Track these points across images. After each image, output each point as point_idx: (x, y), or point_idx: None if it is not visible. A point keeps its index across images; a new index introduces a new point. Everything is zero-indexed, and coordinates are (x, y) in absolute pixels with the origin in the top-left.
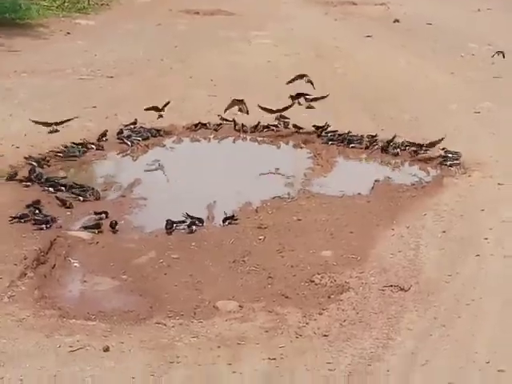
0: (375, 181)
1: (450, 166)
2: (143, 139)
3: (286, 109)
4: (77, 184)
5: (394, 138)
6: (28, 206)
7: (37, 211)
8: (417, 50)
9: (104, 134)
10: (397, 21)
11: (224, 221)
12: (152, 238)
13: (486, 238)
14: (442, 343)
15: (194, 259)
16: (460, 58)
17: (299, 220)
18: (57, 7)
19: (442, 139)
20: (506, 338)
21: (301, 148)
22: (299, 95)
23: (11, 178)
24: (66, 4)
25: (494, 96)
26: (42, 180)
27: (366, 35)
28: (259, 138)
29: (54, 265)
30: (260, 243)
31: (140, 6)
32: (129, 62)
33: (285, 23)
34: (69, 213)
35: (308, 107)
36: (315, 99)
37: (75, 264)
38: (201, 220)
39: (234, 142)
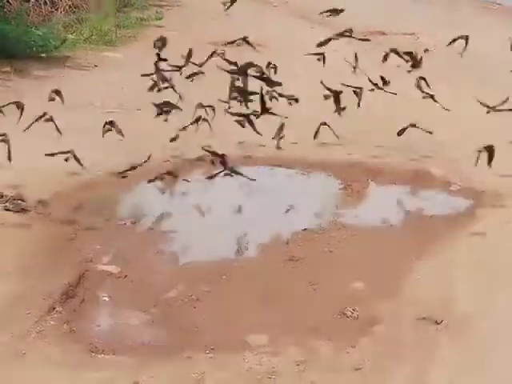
0: (407, 211)
1: None
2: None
3: None
4: None
5: None
6: None
7: None
8: (445, 79)
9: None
10: (427, 50)
11: None
12: (182, 271)
13: None
14: (476, 378)
15: (224, 292)
16: (495, 88)
17: (330, 252)
18: (84, 40)
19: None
20: None
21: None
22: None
23: None
24: (93, 37)
25: None
26: None
27: (396, 65)
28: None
29: (83, 299)
30: (291, 276)
31: (168, 38)
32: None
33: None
34: (98, 247)
35: None
36: None
37: (104, 298)
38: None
39: (264, 172)
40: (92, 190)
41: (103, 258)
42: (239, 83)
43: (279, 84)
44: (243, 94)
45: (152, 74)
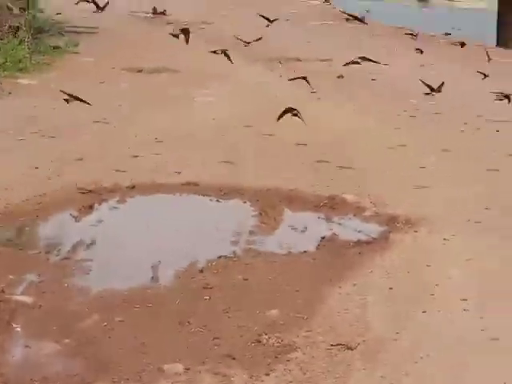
0: (321, 238)
1: None
2: None
3: None
4: None
5: None
6: None
7: None
8: (361, 104)
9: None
10: (341, 76)
11: None
12: (96, 300)
13: (433, 294)
14: None
15: (139, 321)
16: (404, 113)
17: (245, 279)
18: None
19: None
20: None
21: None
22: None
23: None
24: (7, 63)
25: (439, 150)
26: None
27: (311, 91)
28: (203, 195)
29: None
30: (206, 303)
31: (83, 65)
32: (71, 122)
33: (229, 80)
34: (11, 277)
35: None
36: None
37: (17, 329)
38: None
39: (177, 199)
40: (5, 218)
41: (16, 288)
42: None
43: None
44: None
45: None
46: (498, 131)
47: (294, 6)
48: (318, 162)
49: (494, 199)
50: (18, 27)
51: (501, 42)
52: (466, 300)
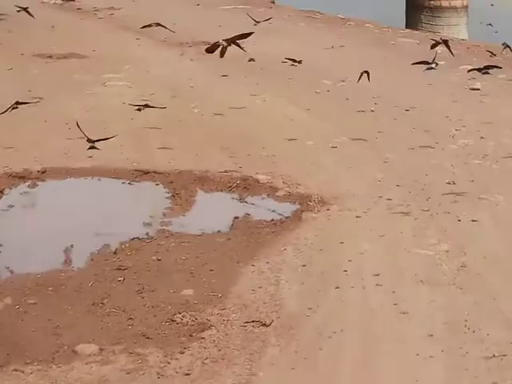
0: (235, 218)
1: None
2: None
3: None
4: None
5: None
6: None
7: None
8: (272, 88)
9: None
10: (252, 60)
11: None
12: (8, 284)
13: (346, 271)
14: (304, 377)
15: (52, 304)
16: (315, 95)
17: (159, 260)
18: None
19: None
20: (367, 370)
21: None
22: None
23: None
24: None
25: (349, 131)
26: None
27: (222, 75)
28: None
29: None
30: (119, 285)
31: None
32: None
33: (140, 65)
34: None
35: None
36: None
37: None
38: None
39: (90, 183)
40: None
41: None
42: None
43: None
44: None
45: None
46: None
47: None
48: (230, 144)
49: (406, 177)
50: None
51: (409, 23)
52: (378, 275)
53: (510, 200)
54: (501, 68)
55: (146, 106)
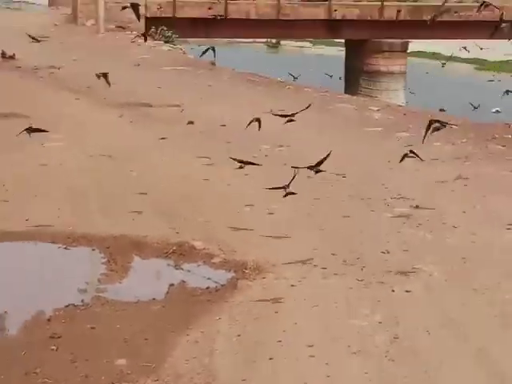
0: (170, 285)
1: None
2: None
3: None
4: None
5: None
6: None
7: None
8: (211, 152)
9: None
10: (191, 122)
11: None
12: None
13: (280, 341)
14: None
15: None
16: (253, 159)
17: (93, 328)
18: None
19: None
20: None
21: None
22: None
23: None
24: None
25: (285, 198)
26: None
27: (161, 137)
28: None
29: None
30: (53, 354)
31: None
32: None
33: (79, 125)
34: None
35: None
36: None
37: None
38: None
39: (25, 247)
40: None
41: None
42: None
43: None
44: None
45: None
46: None
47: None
48: (167, 208)
49: (341, 246)
50: None
51: (348, 87)
52: (311, 346)
53: (443, 270)
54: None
55: None
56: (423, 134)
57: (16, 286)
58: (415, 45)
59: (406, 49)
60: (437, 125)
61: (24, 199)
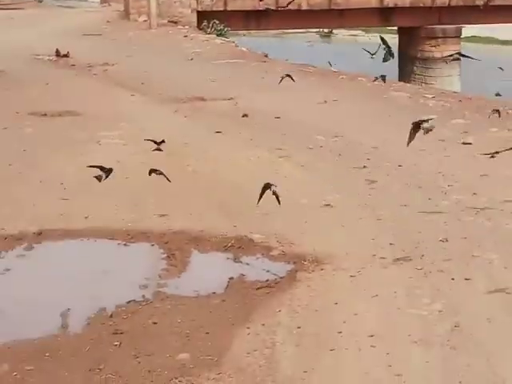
0: (229, 278)
1: None
2: None
3: None
4: None
5: None
6: None
7: None
8: (266, 144)
9: None
10: (245, 115)
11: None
12: (5, 350)
13: (340, 332)
14: None
15: (49, 370)
16: (309, 151)
17: (155, 323)
18: None
19: None
20: None
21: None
22: None
23: None
24: None
25: (342, 188)
26: None
27: (216, 131)
28: (111, 240)
29: None
30: (116, 349)
31: None
32: None
33: (134, 122)
34: None
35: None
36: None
37: None
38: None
39: (85, 244)
40: None
41: None
42: None
43: None
44: None
45: None
46: None
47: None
48: (224, 203)
49: (400, 235)
50: None
51: (402, 75)
52: (372, 336)
53: (502, 257)
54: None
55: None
56: (479, 119)
57: (78, 283)
58: (469, 30)
59: (460, 34)
60: (425, 125)
61: (83, 197)
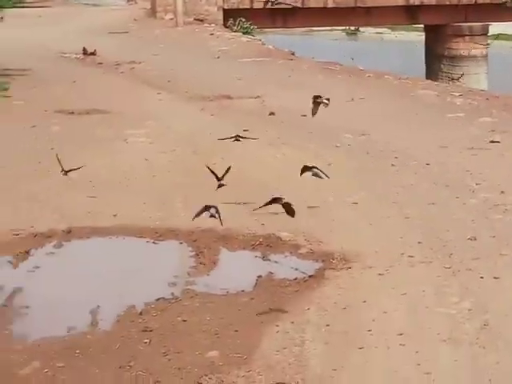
0: (258, 276)
1: None
2: None
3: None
4: None
5: None
6: None
7: None
8: (293, 142)
9: None
10: (272, 113)
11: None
12: (36, 347)
13: (370, 330)
14: None
15: (80, 367)
16: (336, 149)
17: (184, 321)
18: None
19: None
20: None
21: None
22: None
23: None
24: None
25: (370, 186)
26: None
27: (243, 129)
28: (139, 237)
29: None
30: (145, 347)
31: (14, 108)
32: (3, 166)
33: (161, 120)
34: None
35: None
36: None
37: None
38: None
39: (114, 242)
40: None
41: None
42: None
43: None
44: None
45: None
46: None
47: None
48: (251, 201)
49: (428, 233)
50: None
51: (429, 73)
52: (401, 335)
53: None
54: None
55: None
56: (507, 117)
57: (107, 280)
58: (496, 27)
59: (487, 32)
60: (314, 170)
61: (111, 195)
